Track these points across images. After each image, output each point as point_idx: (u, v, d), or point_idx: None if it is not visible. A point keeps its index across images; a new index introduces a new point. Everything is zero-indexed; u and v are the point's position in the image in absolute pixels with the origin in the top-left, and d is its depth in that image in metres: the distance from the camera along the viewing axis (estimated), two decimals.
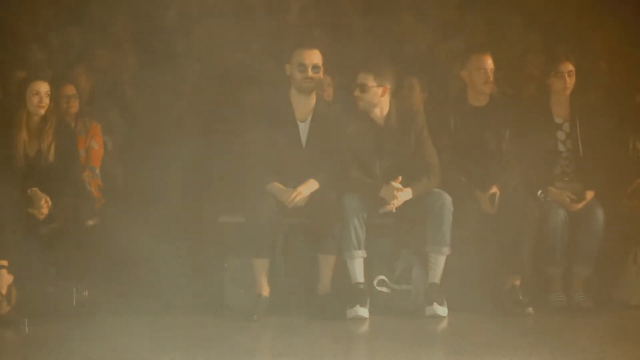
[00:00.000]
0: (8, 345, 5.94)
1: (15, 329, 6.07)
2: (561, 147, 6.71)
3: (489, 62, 6.61)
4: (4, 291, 6.27)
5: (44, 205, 6.35)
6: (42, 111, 6.49)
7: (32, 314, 6.19)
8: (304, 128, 6.53)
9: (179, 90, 7.54)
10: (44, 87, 6.49)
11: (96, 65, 7.84)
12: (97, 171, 6.88)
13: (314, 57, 6.49)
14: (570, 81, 6.68)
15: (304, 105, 6.55)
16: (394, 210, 6.29)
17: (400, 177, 6.30)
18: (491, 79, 6.62)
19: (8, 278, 6.30)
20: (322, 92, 6.97)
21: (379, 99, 6.45)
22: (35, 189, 6.38)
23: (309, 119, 6.54)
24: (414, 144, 6.50)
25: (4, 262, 6.28)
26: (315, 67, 6.49)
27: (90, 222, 6.57)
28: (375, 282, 6.49)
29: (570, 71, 6.67)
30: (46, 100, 6.48)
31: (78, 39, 8.35)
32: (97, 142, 6.94)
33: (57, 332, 6.00)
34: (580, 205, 6.53)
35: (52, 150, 6.52)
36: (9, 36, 8.13)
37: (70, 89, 6.93)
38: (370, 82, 6.42)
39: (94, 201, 6.71)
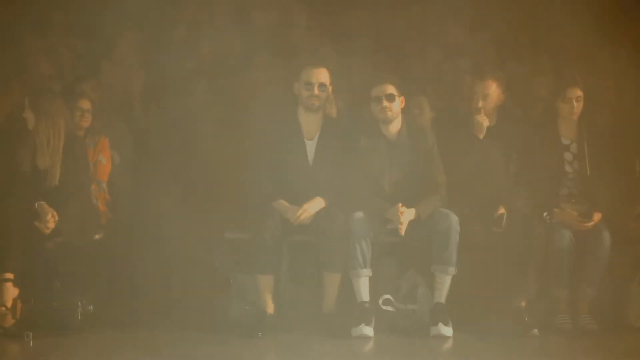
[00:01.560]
0: (12, 359, 5.93)
1: (19, 342, 6.07)
2: (568, 168, 6.70)
3: (488, 88, 6.62)
4: (9, 304, 6.27)
5: (51, 219, 6.36)
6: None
7: (37, 328, 6.19)
8: (311, 146, 6.54)
9: (186, 107, 7.55)
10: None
11: (104, 79, 7.87)
12: (104, 185, 6.88)
13: (321, 75, 6.52)
14: (578, 106, 6.68)
15: (311, 123, 6.56)
16: (402, 234, 6.29)
17: (400, 204, 6.30)
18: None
19: (13, 291, 6.30)
20: (330, 109, 6.97)
21: (399, 110, 6.48)
22: (42, 202, 6.40)
23: (317, 136, 6.55)
24: (423, 162, 6.51)
25: (10, 275, 6.29)
26: (322, 85, 6.51)
27: (97, 237, 6.58)
28: (380, 301, 6.48)
29: (578, 97, 6.67)
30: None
31: (87, 53, 8.38)
32: (105, 156, 6.95)
33: (61, 346, 6.00)
34: (589, 225, 6.51)
35: (61, 164, 6.53)
36: (18, 49, 8.16)
37: (85, 103, 6.97)
38: (394, 91, 6.46)
39: (99, 215, 6.72)
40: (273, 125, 6.59)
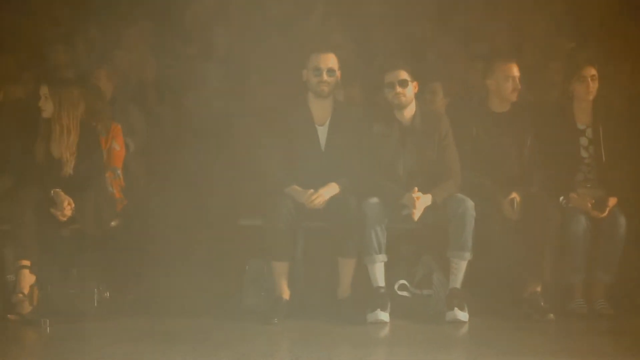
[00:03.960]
0: (29, 345, 5.97)
1: (36, 329, 6.10)
2: (584, 153, 6.68)
3: (515, 70, 6.60)
4: (26, 291, 6.30)
5: (67, 206, 6.38)
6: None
7: (54, 314, 6.22)
8: (322, 132, 6.54)
9: (199, 94, 7.57)
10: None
11: (118, 66, 7.88)
12: (119, 172, 6.90)
13: (329, 60, 6.50)
14: (594, 86, 6.66)
15: (322, 109, 6.56)
16: (416, 219, 6.29)
17: (416, 188, 6.30)
18: (519, 86, 6.61)
19: (30, 278, 6.33)
20: (338, 94, 6.95)
21: (412, 95, 6.47)
22: (58, 190, 6.42)
23: (328, 122, 6.54)
24: (437, 148, 6.50)
25: (27, 262, 6.32)
26: (330, 71, 6.49)
27: (113, 224, 6.61)
28: (396, 287, 6.48)
29: (593, 75, 6.64)
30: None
31: (100, 41, 8.40)
32: (118, 143, 6.95)
33: (78, 332, 6.02)
34: (604, 214, 6.50)
35: (76, 152, 6.55)
36: (33, 37, 8.18)
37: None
38: (407, 77, 6.44)
39: (115, 202, 6.73)
40: (284, 112, 6.59)
